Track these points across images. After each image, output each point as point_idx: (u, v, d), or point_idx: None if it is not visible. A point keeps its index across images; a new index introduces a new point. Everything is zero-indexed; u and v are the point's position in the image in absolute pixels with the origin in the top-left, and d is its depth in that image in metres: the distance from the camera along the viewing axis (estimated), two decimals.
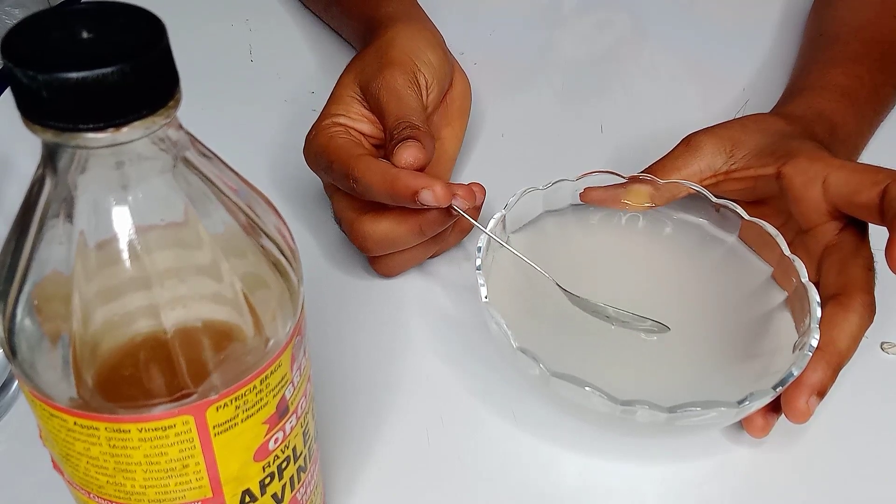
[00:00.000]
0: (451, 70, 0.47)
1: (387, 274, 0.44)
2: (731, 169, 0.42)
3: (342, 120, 0.43)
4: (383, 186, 0.38)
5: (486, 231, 0.39)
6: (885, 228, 0.35)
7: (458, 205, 0.38)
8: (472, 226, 0.43)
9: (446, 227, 0.41)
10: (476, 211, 0.41)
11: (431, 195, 0.37)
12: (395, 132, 0.40)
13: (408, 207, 0.39)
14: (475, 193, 0.39)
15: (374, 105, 0.43)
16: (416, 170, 0.39)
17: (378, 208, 0.40)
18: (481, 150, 0.54)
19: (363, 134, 0.43)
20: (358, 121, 0.43)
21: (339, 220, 0.43)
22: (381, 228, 0.40)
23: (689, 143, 0.43)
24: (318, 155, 0.42)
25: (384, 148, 0.43)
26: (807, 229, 0.39)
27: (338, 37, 0.63)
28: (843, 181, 0.38)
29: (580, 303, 0.39)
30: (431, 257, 0.45)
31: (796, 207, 0.39)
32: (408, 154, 0.39)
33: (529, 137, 0.55)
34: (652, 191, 0.42)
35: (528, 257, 0.42)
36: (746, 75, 0.61)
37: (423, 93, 0.44)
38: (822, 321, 0.35)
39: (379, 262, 0.43)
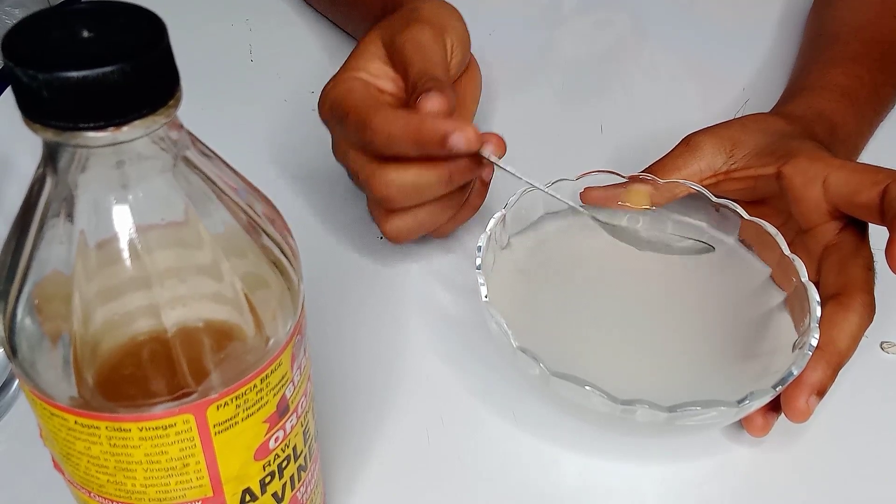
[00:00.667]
0: (470, 47, 0.46)
1: (397, 237, 0.42)
2: (731, 169, 0.42)
3: (362, 75, 0.42)
4: (408, 133, 0.36)
5: (523, 178, 0.37)
6: (885, 228, 0.35)
7: (489, 153, 0.37)
8: (483, 201, 0.43)
9: (467, 190, 0.40)
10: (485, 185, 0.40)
11: (463, 138, 0.35)
12: (418, 84, 0.39)
13: (432, 157, 0.37)
14: (504, 143, 0.38)
15: (398, 59, 0.41)
16: (446, 111, 0.37)
17: (401, 158, 0.39)
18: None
19: (383, 91, 0.42)
20: (379, 77, 0.42)
21: (355, 175, 0.41)
22: (409, 175, 0.38)
23: (688, 142, 0.43)
24: (334, 107, 0.40)
25: (406, 104, 0.41)
26: (807, 229, 0.39)
27: (338, 37, 0.63)
28: (843, 181, 0.38)
29: (615, 231, 0.39)
30: (442, 235, 0.44)
31: (796, 207, 0.39)
32: (432, 102, 0.37)
33: (529, 137, 0.55)
34: (652, 190, 0.42)
35: (529, 258, 0.42)
36: (746, 75, 0.61)
37: (448, 55, 0.43)
38: (821, 321, 0.35)
39: (392, 222, 0.41)
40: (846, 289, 0.36)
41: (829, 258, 0.38)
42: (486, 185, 0.43)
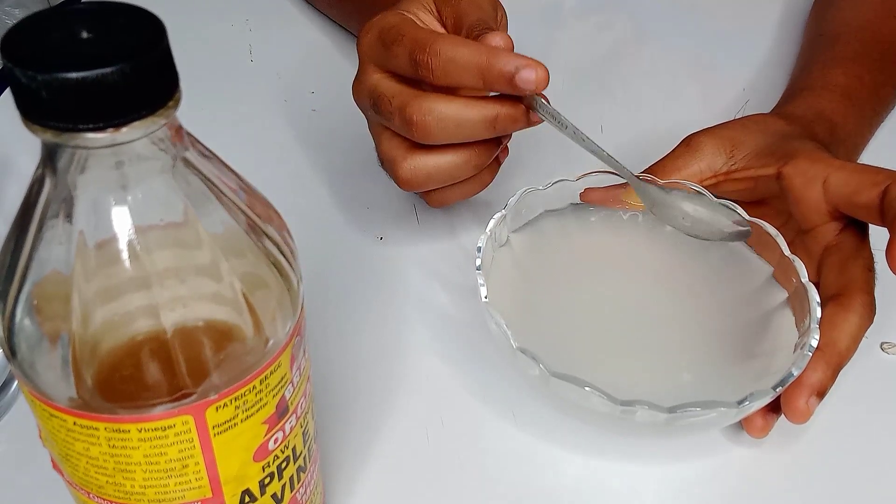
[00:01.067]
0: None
1: (411, 180, 0.40)
2: (732, 169, 0.42)
3: (411, 16, 0.40)
4: (475, 61, 0.35)
5: (576, 130, 0.37)
6: (885, 229, 0.35)
7: (546, 103, 0.36)
8: (492, 179, 0.42)
9: (493, 152, 0.39)
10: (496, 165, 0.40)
11: (534, 74, 0.34)
12: (475, 29, 0.38)
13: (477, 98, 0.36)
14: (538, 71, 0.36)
15: (451, 13, 0.40)
16: (509, 47, 0.36)
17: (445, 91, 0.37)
18: None
19: None
20: (425, 26, 0.40)
21: (386, 103, 0.38)
22: (453, 106, 0.36)
23: (689, 143, 0.43)
24: (386, 30, 0.38)
25: None
26: (807, 230, 0.39)
27: (338, 36, 0.63)
28: (843, 182, 0.37)
29: (648, 192, 0.39)
30: (441, 203, 0.43)
31: (796, 208, 0.39)
32: (499, 38, 0.36)
33: (530, 137, 0.55)
34: None
35: (529, 257, 0.42)
36: (746, 75, 0.61)
37: (497, 19, 0.42)
38: (822, 321, 0.35)
39: (413, 160, 0.39)
40: (846, 289, 0.36)
41: (830, 259, 0.38)
42: (499, 163, 0.43)
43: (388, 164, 0.41)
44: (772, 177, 0.40)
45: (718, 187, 0.43)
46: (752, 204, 0.42)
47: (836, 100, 0.48)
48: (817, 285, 0.37)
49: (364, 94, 0.40)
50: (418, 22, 0.40)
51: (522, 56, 0.35)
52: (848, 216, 0.38)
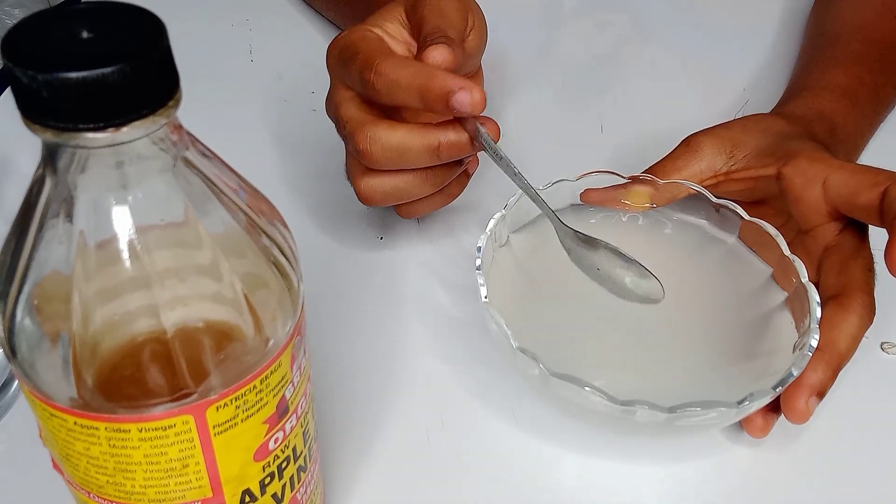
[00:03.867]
0: (485, 41, 0.45)
1: (369, 198, 0.40)
2: (732, 170, 0.42)
3: (378, 31, 0.41)
4: (414, 82, 0.35)
5: (515, 169, 0.37)
6: (885, 230, 0.35)
7: (485, 132, 0.36)
8: (461, 191, 0.42)
9: (451, 173, 0.39)
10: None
11: (469, 98, 0.34)
12: (428, 38, 0.38)
13: (424, 124, 0.37)
14: (499, 130, 0.37)
15: (417, 23, 0.41)
16: (452, 65, 0.36)
17: (394, 118, 0.38)
18: (482, 153, 0.54)
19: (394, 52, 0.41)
20: (394, 38, 0.41)
21: (342, 127, 0.40)
22: (396, 136, 0.37)
23: (689, 143, 0.43)
24: (344, 49, 0.39)
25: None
26: (807, 230, 0.39)
27: None
28: (842, 182, 0.38)
29: (568, 235, 0.40)
30: (410, 215, 0.43)
31: (796, 208, 0.39)
32: (437, 53, 0.36)
33: (530, 138, 0.55)
34: (652, 191, 0.42)
35: (529, 257, 0.42)
36: (746, 75, 0.61)
37: (468, 28, 0.42)
38: (821, 322, 0.35)
39: (368, 181, 0.40)
40: (846, 290, 0.36)
41: (829, 259, 0.38)
42: (468, 176, 0.42)
43: (350, 180, 0.42)
44: (772, 177, 0.40)
45: (719, 187, 0.43)
46: (752, 204, 0.42)
47: (836, 100, 0.48)
48: (817, 285, 0.37)
49: (329, 113, 0.42)
50: (385, 36, 0.41)
51: (459, 78, 0.35)
52: (847, 217, 0.38)
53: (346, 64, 0.39)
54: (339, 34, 0.41)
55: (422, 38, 0.39)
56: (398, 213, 0.43)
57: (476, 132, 0.37)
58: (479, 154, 0.40)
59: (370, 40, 0.39)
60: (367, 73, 0.37)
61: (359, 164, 0.40)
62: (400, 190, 0.40)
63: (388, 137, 0.37)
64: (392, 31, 0.41)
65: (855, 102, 0.48)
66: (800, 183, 0.39)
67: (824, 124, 0.46)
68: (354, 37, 0.40)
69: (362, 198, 0.41)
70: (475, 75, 0.47)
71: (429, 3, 0.40)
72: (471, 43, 0.42)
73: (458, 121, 0.37)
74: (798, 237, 0.40)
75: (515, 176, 0.39)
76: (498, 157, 0.38)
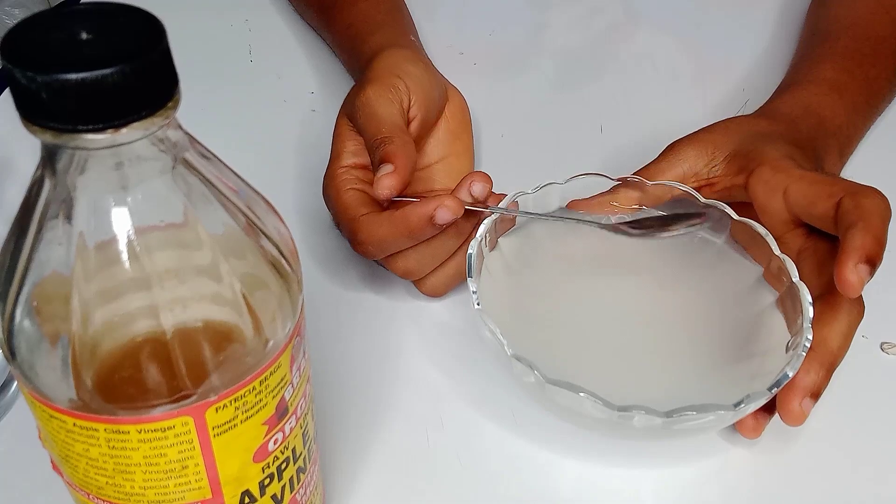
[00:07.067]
0: (439, 83, 0.46)
1: (405, 276, 0.42)
2: (712, 176, 0.43)
3: (346, 160, 0.43)
4: (399, 234, 0.38)
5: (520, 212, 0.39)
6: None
7: (478, 192, 0.39)
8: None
9: (459, 237, 0.40)
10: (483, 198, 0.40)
11: (447, 211, 0.37)
12: (371, 152, 0.40)
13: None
14: (489, 178, 0.39)
15: (358, 131, 0.43)
16: (399, 188, 0.38)
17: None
18: (481, 151, 0.54)
19: (367, 166, 0.43)
20: (357, 154, 0.43)
21: (338, 225, 0.42)
22: (384, 228, 0.39)
23: (672, 148, 0.44)
24: (329, 207, 0.43)
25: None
26: (777, 237, 0.40)
27: None
28: (801, 193, 0.38)
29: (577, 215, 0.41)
30: (432, 292, 0.43)
31: (762, 217, 0.40)
32: (380, 187, 0.38)
33: (529, 138, 0.55)
34: (640, 194, 0.43)
35: (519, 261, 0.42)
36: (746, 75, 0.61)
37: (404, 99, 0.43)
38: (812, 322, 0.35)
39: (393, 265, 0.41)
40: (830, 288, 0.36)
41: (807, 262, 0.38)
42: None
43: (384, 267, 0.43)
44: (741, 186, 0.41)
45: (701, 193, 0.43)
46: (740, 205, 0.42)
47: (823, 93, 0.48)
48: None
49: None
50: (351, 159, 0.43)
51: (426, 201, 0.37)
52: (804, 227, 0.39)
53: (337, 226, 0.42)
54: (323, 181, 0.43)
55: (368, 149, 0.41)
56: (422, 291, 0.43)
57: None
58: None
59: (343, 195, 0.41)
60: (356, 245, 0.40)
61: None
62: (421, 262, 0.41)
63: (415, 256, 0.40)
64: (353, 150, 0.43)
65: (844, 95, 0.48)
66: (762, 192, 0.40)
67: (811, 118, 0.46)
68: (332, 194, 0.42)
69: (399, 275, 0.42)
70: (450, 101, 0.47)
71: (359, 111, 0.42)
72: (416, 108, 0.44)
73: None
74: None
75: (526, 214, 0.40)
76: (500, 211, 0.40)
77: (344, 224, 0.41)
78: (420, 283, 0.42)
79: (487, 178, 0.39)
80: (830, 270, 0.37)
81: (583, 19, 0.68)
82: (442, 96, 0.46)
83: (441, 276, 0.42)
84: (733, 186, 0.42)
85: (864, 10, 0.56)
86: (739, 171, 0.41)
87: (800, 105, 0.47)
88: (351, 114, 0.43)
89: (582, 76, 0.62)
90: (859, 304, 0.36)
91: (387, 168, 0.38)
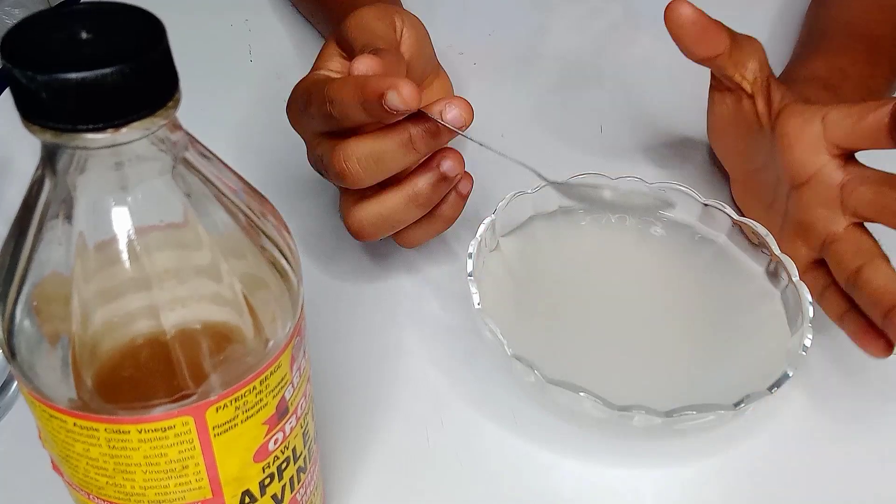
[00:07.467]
0: (429, 43, 0.45)
1: (360, 230, 0.39)
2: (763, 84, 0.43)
3: (323, 73, 0.41)
4: (354, 94, 0.34)
5: (490, 147, 0.35)
6: (891, 234, 0.35)
7: (454, 116, 0.34)
8: (458, 215, 0.40)
9: (439, 191, 0.38)
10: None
11: (396, 95, 0.33)
12: (358, 56, 0.37)
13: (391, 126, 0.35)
14: (460, 109, 0.35)
15: (350, 50, 0.40)
16: (377, 69, 0.36)
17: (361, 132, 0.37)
18: (481, 151, 0.54)
19: None
20: (340, 73, 0.41)
21: (321, 160, 0.38)
22: (366, 144, 0.36)
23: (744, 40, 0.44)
24: (300, 95, 0.39)
25: None
26: (802, 181, 0.39)
27: None
28: (844, 114, 0.38)
29: (571, 190, 0.40)
30: (409, 244, 0.41)
31: (788, 156, 0.39)
32: (360, 63, 0.35)
33: (529, 138, 0.55)
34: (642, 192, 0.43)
35: (520, 261, 0.42)
36: None
37: (397, 32, 0.42)
38: (881, 284, 0.35)
39: (356, 212, 0.39)
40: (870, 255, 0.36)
41: (858, 191, 0.38)
42: (463, 197, 0.40)
43: (342, 220, 0.40)
44: (765, 129, 0.41)
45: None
46: (738, 182, 0.42)
47: (815, 90, 0.48)
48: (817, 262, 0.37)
49: (314, 167, 0.40)
50: (330, 74, 0.41)
51: (387, 78, 0.34)
52: (841, 157, 0.38)
53: (306, 109, 0.38)
54: (291, 94, 0.40)
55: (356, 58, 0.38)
56: (397, 243, 0.42)
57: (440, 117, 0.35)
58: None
59: (319, 82, 0.38)
60: (323, 106, 0.36)
61: (347, 199, 0.39)
62: (388, 216, 0.38)
63: (360, 148, 0.36)
64: (335, 68, 0.41)
65: (837, 93, 0.49)
66: (796, 125, 0.39)
67: None
68: (304, 84, 0.39)
69: (353, 232, 0.39)
70: (436, 76, 0.47)
71: (351, 26, 0.41)
72: (407, 44, 0.42)
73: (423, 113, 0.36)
74: (793, 194, 0.40)
75: (498, 154, 0.37)
76: (472, 140, 0.36)
77: (317, 91, 0.36)
78: (357, 206, 0.39)
79: (468, 106, 0.35)
80: (887, 189, 0.37)
81: (583, 20, 0.68)
82: (432, 59, 0.45)
83: (375, 207, 0.38)
84: (764, 112, 0.42)
85: (859, 9, 0.56)
86: (772, 98, 0.41)
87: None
88: (342, 36, 0.41)
89: (582, 76, 0.62)
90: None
91: (370, 54, 0.36)
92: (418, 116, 0.35)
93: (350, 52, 0.40)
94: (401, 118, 0.35)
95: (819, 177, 0.39)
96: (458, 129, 0.34)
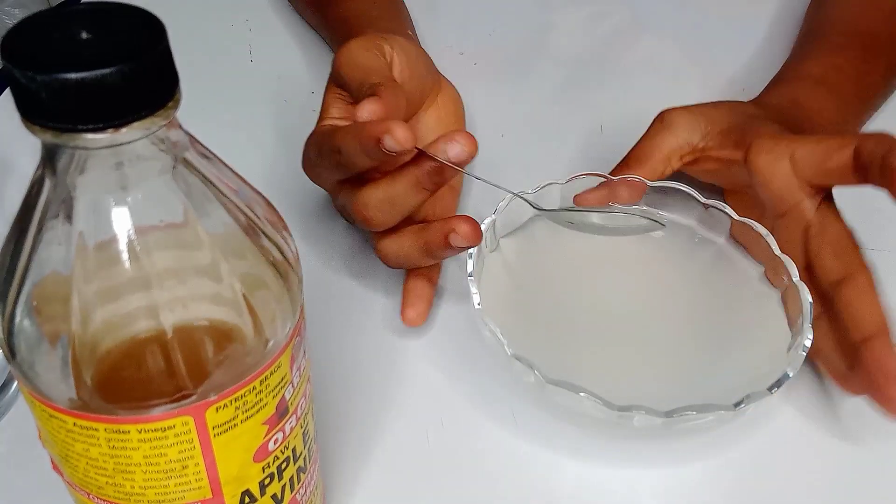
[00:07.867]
0: (426, 61, 0.45)
1: (386, 259, 0.40)
2: (707, 146, 0.43)
3: (328, 124, 0.42)
4: (357, 143, 0.35)
5: (487, 181, 0.37)
6: (871, 227, 0.35)
7: (457, 152, 0.35)
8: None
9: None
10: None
11: (391, 139, 0.33)
12: (359, 97, 0.38)
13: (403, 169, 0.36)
14: (462, 144, 0.35)
15: (347, 88, 0.41)
16: (381, 114, 0.36)
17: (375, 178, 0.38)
18: (481, 152, 0.53)
19: None
20: (346, 119, 0.42)
21: (345, 211, 0.40)
22: (379, 191, 0.37)
23: (662, 119, 0.44)
24: (311, 149, 0.40)
25: None
26: (782, 213, 0.39)
27: None
28: (810, 152, 0.38)
29: (560, 217, 0.41)
30: (433, 256, 0.41)
31: (767, 190, 0.39)
32: (363, 109, 0.36)
33: (530, 138, 0.55)
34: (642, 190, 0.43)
35: (520, 262, 0.42)
36: (747, 77, 0.61)
37: (386, 59, 0.42)
38: (849, 307, 0.35)
39: (381, 245, 0.40)
40: (850, 269, 0.36)
41: (818, 242, 0.38)
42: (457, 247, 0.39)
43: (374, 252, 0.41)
44: (739, 162, 0.40)
45: (697, 164, 0.43)
46: (732, 194, 0.42)
47: (809, 88, 0.48)
48: (807, 270, 0.37)
49: (339, 212, 0.42)
50: (337, 123, 0.41)
51: (381, 122, 0.34)
52: (815, 195, 0.38)
53: (319, 162, 0.39)
54: (303, 150, 0.41)
55: (355, 96, 0.40)
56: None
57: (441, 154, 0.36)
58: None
59: (325, 133, 0.39)
60: (333, 156, 0.37)
61: (372, 233, 0.40)
62: (409, 245, 0.39)
63: (375, 195, 0.37)
64: (338, 115, 0.42)
65: (832, 90, 0.49)
66: (766, 162, 0.39)
67: (799, 111, 0.46)
68: (313, 138, 0.40)
69: (383, 261, 0.40)
70: (438, 90, 0.47)
71: (342, 64, 0.41)
72: (398, 70, 0.42)
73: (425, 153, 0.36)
74: (776, 222, 0.40)
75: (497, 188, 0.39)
76: (473, 177, 0.38)
77: (328, 141, 0.37)
78: (378, 240, 0.40)
79: (469, 139, 0.35)
80: (847, 253, 0.37)
81: (583, 20, 0.68)
82: (430, 74, 0.46)
83: (396, 242, 0.39)
84: (730, 161, 0.41)
85: (855, 7, 0.56)
86: (736, 146, 0.41)
87: (787, 99, 0.47)
88: (336, 73, 0.42)
89: (582, 76, 0.62)
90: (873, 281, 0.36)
91: (371, 97, 0.37)
92: (422, 156, 0.36)
93: (348, 90, 0.41)
94: (407, 157, 0.36)
95: (795, 213, 0.39)
96: (463, 162, 0.35)
